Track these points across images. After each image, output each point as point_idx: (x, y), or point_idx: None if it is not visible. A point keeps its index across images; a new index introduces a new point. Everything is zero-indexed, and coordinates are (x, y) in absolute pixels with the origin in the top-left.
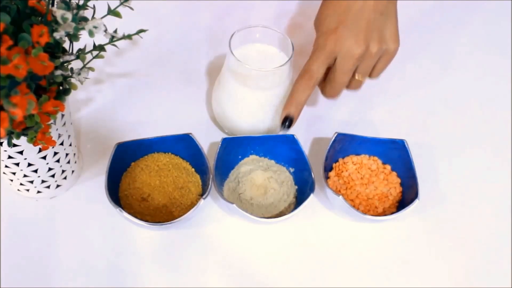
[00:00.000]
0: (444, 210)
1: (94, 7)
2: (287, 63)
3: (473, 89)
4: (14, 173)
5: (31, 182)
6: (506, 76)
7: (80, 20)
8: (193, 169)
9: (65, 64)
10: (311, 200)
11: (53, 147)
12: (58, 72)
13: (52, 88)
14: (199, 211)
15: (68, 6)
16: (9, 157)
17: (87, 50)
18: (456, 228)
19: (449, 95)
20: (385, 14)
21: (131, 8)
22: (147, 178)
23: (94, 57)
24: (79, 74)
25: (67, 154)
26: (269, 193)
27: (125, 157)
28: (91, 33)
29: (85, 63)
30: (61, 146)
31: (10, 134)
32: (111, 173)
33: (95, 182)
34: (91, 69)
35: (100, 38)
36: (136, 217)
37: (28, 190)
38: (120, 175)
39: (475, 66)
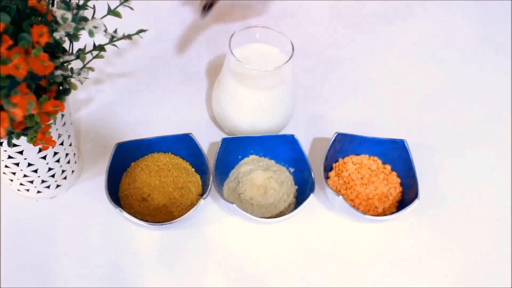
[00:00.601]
0: (444, 210)
1: (94, 7)
2: (287, 63)
3: (473, 89)
4: (14, 173)
5: (31, 182)
6: (507, 76)
7: (80, 20)
8: (193, 169)
9: (65, 64)
10: (311, 200)
11: (53, 147)
12: (58, 72)
13: (52, 88)
14: (199, 211)
15: (68, 6)
16: (9, 157)
17: (87, 50)
18: (456, 228)
19: (449, 95)
20: None
21: (131, 8)
22: (147, 178)
23: (94, 57)
24: (79, 74)
25: (67, 154)
26: (269, 193)
27: (125, 157)
28: (91, 33)
29: (85, 63)
30: (61, 146)
31: (10, 134)
32: (111, 173)
33: (95, 182)
34: (91, 69)
35: (100, 38)
36: (136, 217)
37: (28, 190)
38: (120, 175)
39: (476, 66)
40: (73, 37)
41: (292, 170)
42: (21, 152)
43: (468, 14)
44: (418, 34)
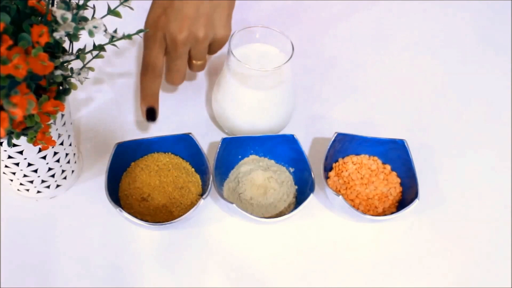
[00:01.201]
0: (444, 210)
1: (94, 7)
2: (287, 63)
3: (473, 89)
4: (14, 173)
5: (31, 182)
6: (507, 76)
7: (80, 20)
8: (193, 169)
9: (65, 64)
10: (311, 200)
11: (53, 147)
12: (58, 72)
13: (52, 88)
14: (199, 211)
15: (68, 6)
16: (9, 157)
17: (87, 50)
18: (456, 228)
19: (449, 95)
20: (215, 0)
21: (131, 8)
22: (147, 178)
23: (94, 57)
24: (79, 74)
25: (67, 154)
26: (269, 193)
27: (125, 157)
28: (91, 33)
29: (85, 63)
30: (61, 146)
31: (10, 134)
32: (111, 173)
33: (95, 182)
34: (91, 69)
35: (100, 38)
36: (136, 217)
37: (28, 190)
38: (120, 175)
39: (476, 66)
40: (73, 37)
41: (292, 170)
42: (21, 152)
43: (468, 14)
44: (418, 34)
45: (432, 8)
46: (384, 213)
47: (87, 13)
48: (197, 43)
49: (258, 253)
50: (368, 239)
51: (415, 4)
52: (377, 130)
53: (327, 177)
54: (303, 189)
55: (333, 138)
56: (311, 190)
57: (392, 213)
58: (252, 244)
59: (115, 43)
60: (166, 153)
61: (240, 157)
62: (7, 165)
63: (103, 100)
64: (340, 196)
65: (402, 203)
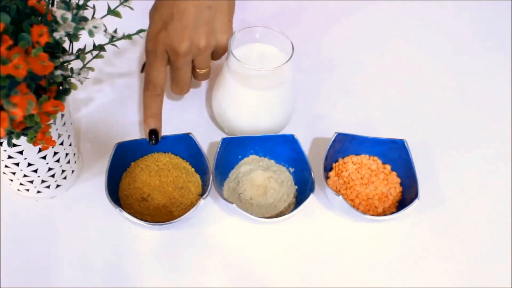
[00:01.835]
0: (444, 210)
1: (94, 7)
2: (287, 63)
3: (473, 89)
4: (14, 173)
5: (31, 182)
6: (507, 76)
7: (80, 20)
8: (193, 169)
9: (65, 64)
10: (311, 200)
11: (53, 147)
12: (58, 72)
13: (52, 88)
14: (199, 211)
15: (68, 6)
16: (9, 157)
17: (87, 50)
18: (456, 228)
19: (449, 95)
20: (214, 7)
21: (131, 8)
22: (147, 178)
23: (94, 57)
24: (79, 74)
25: (67, 154)
26: (269, 193)
27: (125, 157)
28: (91, 33)
29: (85, 63)
30: (61, 146)
31: (10, 134)
32: (111, 173)
33: (95, 182)
34: (91, 69)
35: (100, 38)
36: (136, 217)
37: (28, 190)
38: (120, 175)
39: (476, 66)
40: (73, 37)
41: (292, 170)
42: (21, 152)
43: (468, 14)
44: (418, 34)
45: (432, 8)
46: (384, 213)
47: (87, 13)
48: (199, 52)
49: (258, 253)
50: (368, 239)
51: (414, 4)
52: (377, 130)
53: (327, 177)
54: (303, 189)
55: (333, 138)
56: (311, 190)
57: (392, 213)
58: (252, 244)
59: (115, 43)
60: (166, 153)
61: (240, 157)
62: (7, 165)
63: (103, 100)
64: (340, 196)
65: (402, 203)
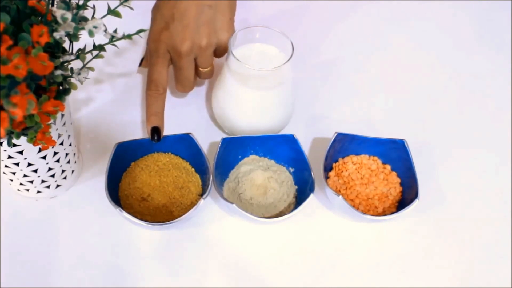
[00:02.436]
0: (444, 210)
1: (94, 7)
2: (287, 63)
3: (473, 89)
4: (14, 173)
5: (31, 182)
6: (507, 76)
7: (80, 20)
8: (193, 169)
9: (65, 64)
10: (311, 200)
11: (53, 147)
12: (58, 72)
13: (52, 88)
14: (199, 211)
15: (68, 6)
16: (9, 157)
17: (87, 50)
18: (456, 228)
19: (449, 95)
20: (214, 6)
21: (131, 8)
22: (147, 178)
23: (94, 57)
24: (79, 74)
25: (67, 154)
26: (269, 193)
27: (125, 157)
28: (91, 33)
29: (85, 63)
30: (61, 146)
31: (10, 134)
32: (111, 173)
33: (95, 182)
34: (91, 69)
35: (100, 38)
36: (136, 217)
37: (28, 190)
38: (120, 175)
39: (476, 66)
40: (73, 37)
41: (292, 170)
42: (21, 152)
43: (468, 14)
44: (418, 34)
45: (432, 8)
46: (384, 213)
47: (87, 13)
48: (201, 51)
49: (258, 253)
50: (368, 239)
51: (415, 4)
52: (377, 130)
53: (327, 177)
54: (303, 189)
55: (333, 138)
56: (311, 190)
57: (392, 213)
58: (252, 244)
59: (115, 43)
60: (166, 153)
61: (240, 157)
62: (7, 165)
63: (103, 100)
64: (340, 196)
65: (402, 203)
